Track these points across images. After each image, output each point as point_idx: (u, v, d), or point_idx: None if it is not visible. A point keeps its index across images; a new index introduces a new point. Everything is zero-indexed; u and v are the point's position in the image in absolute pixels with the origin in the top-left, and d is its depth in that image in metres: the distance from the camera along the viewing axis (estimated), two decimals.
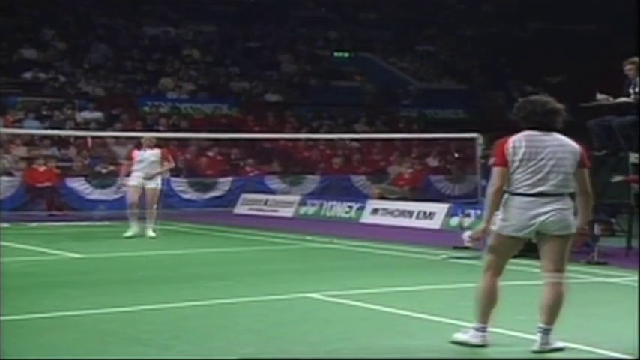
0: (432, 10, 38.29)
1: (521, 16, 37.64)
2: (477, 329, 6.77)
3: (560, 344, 6.73)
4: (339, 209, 20.67)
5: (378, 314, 8.25)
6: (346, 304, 8.79)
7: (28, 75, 27.62)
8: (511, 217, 6.69)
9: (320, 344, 6.94)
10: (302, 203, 21.74)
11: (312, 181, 24.70)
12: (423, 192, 23.20)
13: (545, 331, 6.66)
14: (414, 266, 12.34)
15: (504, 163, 6.69)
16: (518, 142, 6.70)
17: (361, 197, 22.40)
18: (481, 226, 6.88)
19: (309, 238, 16.12)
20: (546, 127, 6.75)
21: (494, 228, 6.76)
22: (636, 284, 9.70)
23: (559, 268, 6.71)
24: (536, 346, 6.67)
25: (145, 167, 15.61)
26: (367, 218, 19.70)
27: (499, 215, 6.76)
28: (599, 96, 13.36)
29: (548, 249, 6.72)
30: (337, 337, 7.15)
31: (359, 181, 25.09)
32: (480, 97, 33.81)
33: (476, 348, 6.76)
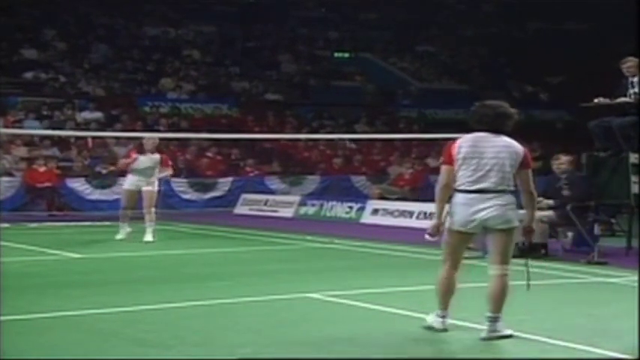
0: (432, 11, 38.31)
1: (521, 16, 37.64)
2: (437, 315, 7.29)
3: (508, 331, 7.05)
4: (339, 209, 20.67)
5: (378, 314, 8.26)
6: (346, 304, 8.79)
7: (28, 75, 27.62)
8: (456, 213, 7.16)
9: (320, 344, 6.94)
10: (302, 203, 21.74)
11: (312, 182, 24.70)
12: (423, 192, 23.15)
13: (493, 320, 7.03)
14: (414, 266, 12.34)
15: (450, 161, 7.18)
16: (465, 141, 7.18)
17: (361, 197, 22.39)
18: (433, 222, 7.37)
19: (309, 238, 16.12)
20: (496, 129, 7.15)
21: (446, 224, 7.22)
22: (636, 284, 9.71)
23: (504, 261, 7.11)
24: (484, 334, 7.02)
25: (144, 171, 15.14)
26: (367, 218, 19.70)
27: (450, 210, 7.21)
28: (598, 101, 13.37)
29: (494, 243, 7.14)
30: (337, 337, 7.15)
31: (359, 181, 25.08)
32: (480, 98, 33.72)
33: (476, 347, 6.77)
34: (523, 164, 7.13)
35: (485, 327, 7.04)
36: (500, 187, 7.07)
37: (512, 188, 7.15)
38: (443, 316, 7.26)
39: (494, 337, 6.99)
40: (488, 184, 7.05)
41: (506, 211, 7.06)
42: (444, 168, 7.23)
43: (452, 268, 7.28)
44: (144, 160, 15.20)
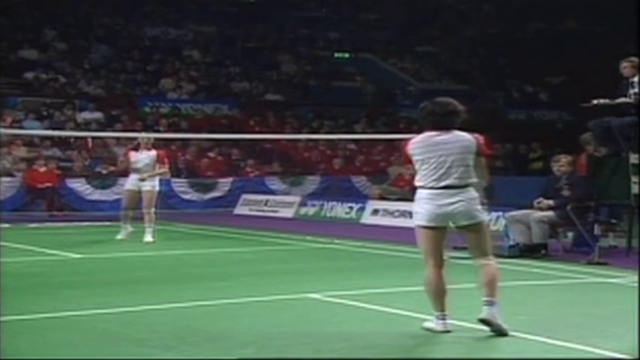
0: (433, 11, 38.32)
1: (521, 16, 37.64)
2: (437, 317, 7.23)
3: (505, 326, 7.06)
4: (339, 210, 20.66)
5: (378, 314, 8.25)
6: (346, 304, 8.79)
7: (28, 75, 27.61)
8: (421, 209, 7.22)
9: (320, 344, 6.94)
10: (302, 204, 21.74)
11: (312, 182, 24.71)
12: None
13: (489, 303, 7.08)
14: (414, 266, 12.27)
15: (409, 161, 7.35)
16: (417, 143, 7.27)
17: (361, 198, 22.39)
18: None
19: (309, 238, 16.12)
20: (445, 126, 7.22)
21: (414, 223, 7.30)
22: (636, 284, 9.70)
23: (483, 254, 7.25)
24: (483, 314, 7.06)
25: (139, 169, 15.27)
26: (367, 219, 19.70)
27: (414, 210, 7.29)
28: (597, 102, 13.37)
29: (468, 240, 7.33)
30: (337, 338, 7.15)
31: (359, 181, 25.09)
32: (480, 98, 33.81)
33: (476, 347, 6.77)
34: (479, 152, 7.27)
35: (483, 311, 7.08)
36: (463, 182, 7.16)
37: (475, 181, 7.25)
38: (442, 318, 7.22)
39: (493, 320, 7.02)
40: (452, 180, 7.13)
41: (471, 207, 7.16)
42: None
43: (435, 267, 7.23)
44: (141, 158, 15.33)
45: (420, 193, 7.24)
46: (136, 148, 15.58)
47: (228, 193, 23.61)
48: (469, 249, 7.36)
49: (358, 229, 18.31)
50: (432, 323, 7.26)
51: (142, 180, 15.25)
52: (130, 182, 15.45)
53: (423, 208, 7.20)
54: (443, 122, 7.23)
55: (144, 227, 15.14)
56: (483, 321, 7.07)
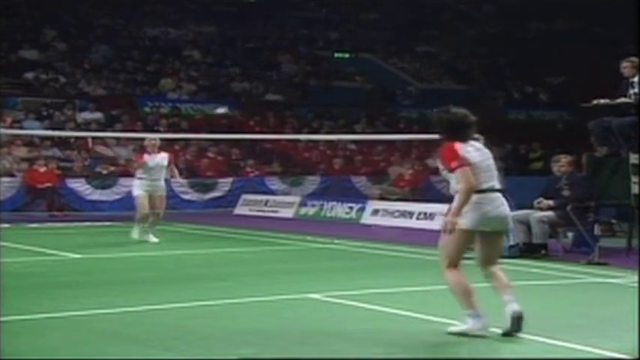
0: (433, 11, 38.31)
1: (521, 16, 37.65)
2: (472, 317, 7.04)
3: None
4: (339, 210, 20.66)
5: (379, 315, 8.25)
6: (346, 304, 8.79)
7: (28, 75, 27.63)
8: (475, 212, 7.04)
9: (320, 345, 6.94)
10: (302, 204, 21.73)
11: (312, 182, 24.71)
12: (423, 193, 23.20)
13: (514, 300, 7.08)
14: (414, 267, 12.34)
15: (466, 162, 7.02)
16: (468, 146, 7.12)
17: (361, 198, 22.38)
18: (452, 219, 7.09)
19: (309, 238, 16.12)
20: (472, 136, 7.25)
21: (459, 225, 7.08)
22: (636, 285, 9.70)
23: (498, 261, 7.30)
24: (518, 309, 7.03)
25: (156, 172, 14.99)
26: (367, 219, 19.70)
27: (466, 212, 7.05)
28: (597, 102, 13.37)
29: (494, 245, 7.24)
30: (337, 338, 7.15)
31: (359, 181, 25.09)
32: (480, 98, 33.83)
33: (475, 348, 6.78)
34: None
35: (510, 308, 7.01)
36: (501, 187, 7.24)
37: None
38: (477, 316, 7.04)
39: (521, 313, 7.02)
40: (495, 182, 7.18)
41: (509, 212, 7.24)
42: (466, 169, 6.98)
43: (460, 268, 7.16)
44: (158, 160, 15.05)
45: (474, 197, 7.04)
46: (148, 152, 15.20)
47: (228, 193, 23.62)
48: (486, 255, 7.21)
49: (358, 229, 18.31)
50: (466, 325, 7.06)
51: (172, 177, 15.39)
52: (143, 186, 15.03)
53: (477, 211, 7.05)
54: (471, 132, 7.26)
55: (147, 229, 15.10)
56: (519, 317, 7.01)
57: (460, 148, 7.06)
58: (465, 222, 7.00)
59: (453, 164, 7.02)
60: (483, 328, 7.01)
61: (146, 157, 15.15)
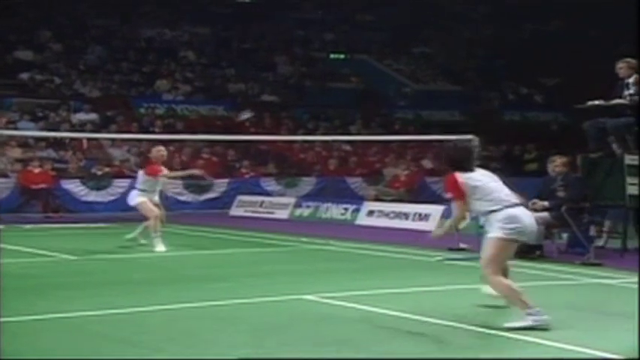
0: (428, 12, 38.33)
1: (516, 18, 37.68)
2: (530, 314, 7.41)
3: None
4: (334, 211, 20.66)
5: (374, 316, 8.25)
6: (342, 305, 8.79)
7: (23, 76, 27.59)
8: (516, 224, 7.59)
9: (315, 346, 6.94)
10: (297, 205, 21.73)
11: (307, 183, 24.70)
12: (418, 194, 23.21)
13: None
14: (410, 268, 12.34)
15: (462, 195, 7.70)
16: (475, 175, 7.77)
17: (357, 199, 22.38)
18: (447, 226, 8.35)
19: (304, 239, 16.12)
20: (472, 166, 7.86)
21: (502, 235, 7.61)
22: (632, 285, 9.72)
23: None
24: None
25: (158, 184, 14.42)
26: (363, 220, 19.70)
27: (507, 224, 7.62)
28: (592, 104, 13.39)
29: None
30: (332, 339, 7.15)
31: (354, 182, 25.08)
32: (475, 99, 33.86)
33: (474, 349, 6.78)
34: None
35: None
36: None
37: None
38: (537, 313, 7.42)
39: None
40: (517, 198, 7.77)
41: None
42: (459, 203, 7.76)
43: (503, 274, 7.73)
44: (164, 172, 14.43)
45: (506, 211, 7.57)
46: (159, 163, 14.39)
47: (224, 194, 23.60)
48: (504, 260, 7.76)
49: (353, 230, 18.30)
50: (528, 321, 7.37)
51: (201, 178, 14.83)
52: (143, 195, 14.25)
53: (517, 223, 7.56)
54: (473, 160, 7.96)
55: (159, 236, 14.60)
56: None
57: (461, 177, 7.71)
58: (508, 232, 7.55)
59: (449, 195, 7.99)
60: (544, 322, 7.36)
61: (163, 168, 14.38)
